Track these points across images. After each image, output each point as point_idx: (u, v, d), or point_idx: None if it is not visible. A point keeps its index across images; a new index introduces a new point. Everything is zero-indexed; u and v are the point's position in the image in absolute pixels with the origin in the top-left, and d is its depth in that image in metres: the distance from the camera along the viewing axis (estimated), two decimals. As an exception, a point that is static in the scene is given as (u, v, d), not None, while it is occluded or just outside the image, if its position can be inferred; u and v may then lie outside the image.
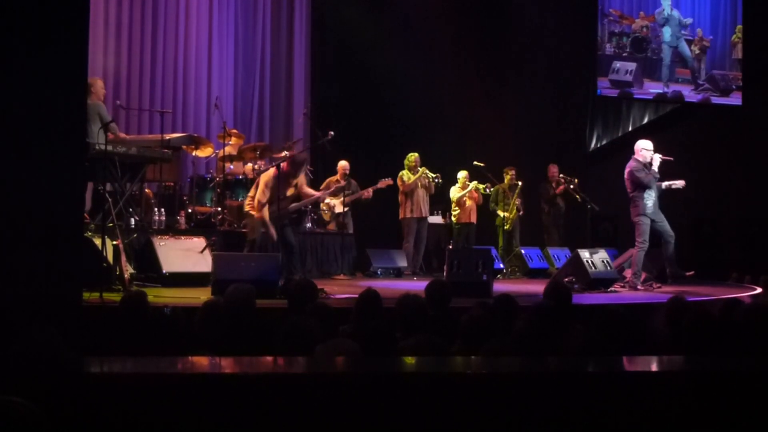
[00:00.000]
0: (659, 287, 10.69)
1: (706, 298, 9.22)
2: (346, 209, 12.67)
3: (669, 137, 16.02)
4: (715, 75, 16.43)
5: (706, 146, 10.82)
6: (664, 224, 10.27)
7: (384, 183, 12.47)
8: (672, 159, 10.36)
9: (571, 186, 13.63)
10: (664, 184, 10.43)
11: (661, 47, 16.31)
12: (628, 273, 11.09)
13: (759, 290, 10.80)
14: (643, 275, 10.22)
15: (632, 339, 5.00)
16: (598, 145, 16.42)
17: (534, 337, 4.57)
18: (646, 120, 16.52)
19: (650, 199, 10.13)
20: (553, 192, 14.09)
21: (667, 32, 16.33)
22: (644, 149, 10.25)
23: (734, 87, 16.46)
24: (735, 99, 16.39)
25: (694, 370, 3.71)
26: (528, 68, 16.15)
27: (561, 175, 13.97)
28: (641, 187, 10.10)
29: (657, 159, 10.20)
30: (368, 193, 12.67)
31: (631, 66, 16.04)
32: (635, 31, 16.15)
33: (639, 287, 10.07)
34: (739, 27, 16.57)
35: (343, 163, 12.55)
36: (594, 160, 16.21)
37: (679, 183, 10.53)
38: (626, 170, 10.26)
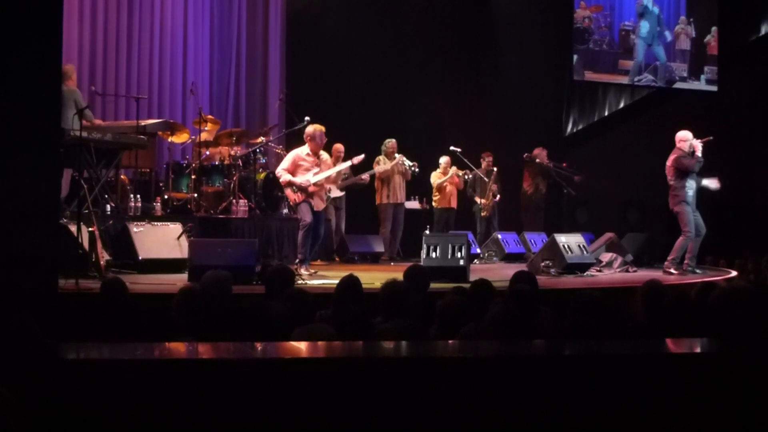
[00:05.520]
0: (635, 271, 10.78)
1: (682, 281, 9.29)
2: (342, 194, 12.64)
3: (644, 122, 16.15)
4: (657, 66, 16.43)
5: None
6: (698, 218, 10.26)
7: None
8: (711, 138, 10.38)
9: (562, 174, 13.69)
10: (704, 181, 10.43)
11: (614, 37, 16.27)
12: (604, 257, 11.18)
13: (734, 273, 10.90)
14: (686, 263, 10.24)
15: (609, 323, 5.03)
16: (574, 130, 16.48)
17: (509, 321, 4.58)
18: (622, 104, 16.59)
19: (691, 188, 10.13)
20: (558, 178, 14.01)
21: (644, 27, 16.31)
22: (684, 140, 10.26)
23: (677, 78, 16.49)
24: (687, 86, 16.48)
25: (671, 352, 3.74)
26: (504, 53, 16.16)
27: (550, 162, 13.99)
28: (684, 174, 10.09)
29: (699, 145, 10.22)
30: (366, 177, 12.65)
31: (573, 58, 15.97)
32: (576, 21, 16.06)
33: (673, 271, 10.09)
34: (683, 18, 16.59)
35: (337, 146, 12.35)
36: (570, 144, 16.26)
37: (714, 184, 10.52)
38: (669, 160, 10.22)
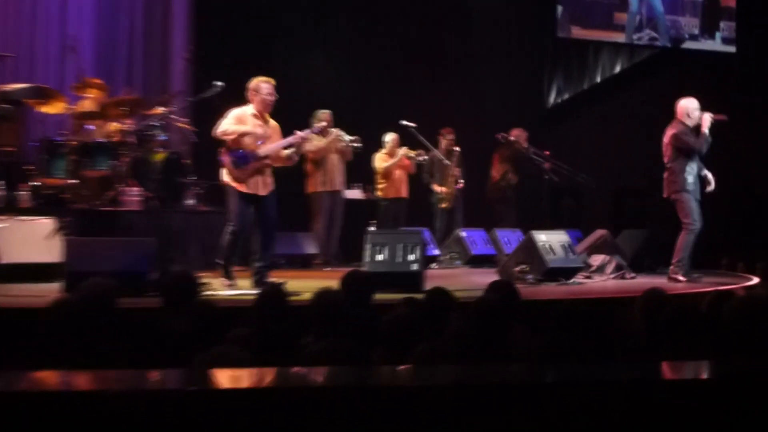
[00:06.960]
0: (633, 277, 10.87)
1: (691, 290, 9.38)
2: None
3: (646, 90, 16.31)
4: (659, 19, 16.60)
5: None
6: (698, 209, 10.38)
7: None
8: (726, 118, 10.39)
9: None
10: (706, 123, 10.26)
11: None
12: (595, 260, 11.26)
13: (755, 280, 11.02)
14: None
15: (599, 341, 5.06)
16: (559, 100, 16.59)
17: (472, 340, 4.60)
18: (618, 69, 16.73)
19: (691, 173, 10.22)
20: (539, 166, 14.06)
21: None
22: (686, 111, 10.27)
23: (687, 36, 16.66)
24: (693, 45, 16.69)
25: (676, 378, 3.77)
26: (472, 7, 16.17)
27: (532, 149, 14.07)
28: (686, 155, 10.16)
29: (707, 119, 10.21)
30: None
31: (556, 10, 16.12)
32: None
33: (680, 278, 10.18)
34: None
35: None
36: (553, 118, 16.37)
37: (718, 117, 10.44)
38: (667, 135, 10.29)
